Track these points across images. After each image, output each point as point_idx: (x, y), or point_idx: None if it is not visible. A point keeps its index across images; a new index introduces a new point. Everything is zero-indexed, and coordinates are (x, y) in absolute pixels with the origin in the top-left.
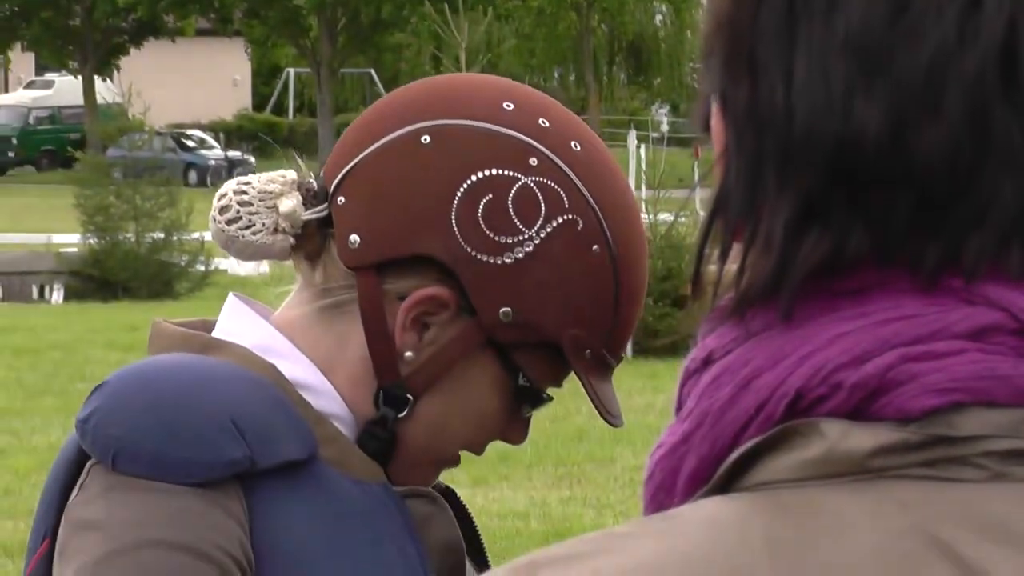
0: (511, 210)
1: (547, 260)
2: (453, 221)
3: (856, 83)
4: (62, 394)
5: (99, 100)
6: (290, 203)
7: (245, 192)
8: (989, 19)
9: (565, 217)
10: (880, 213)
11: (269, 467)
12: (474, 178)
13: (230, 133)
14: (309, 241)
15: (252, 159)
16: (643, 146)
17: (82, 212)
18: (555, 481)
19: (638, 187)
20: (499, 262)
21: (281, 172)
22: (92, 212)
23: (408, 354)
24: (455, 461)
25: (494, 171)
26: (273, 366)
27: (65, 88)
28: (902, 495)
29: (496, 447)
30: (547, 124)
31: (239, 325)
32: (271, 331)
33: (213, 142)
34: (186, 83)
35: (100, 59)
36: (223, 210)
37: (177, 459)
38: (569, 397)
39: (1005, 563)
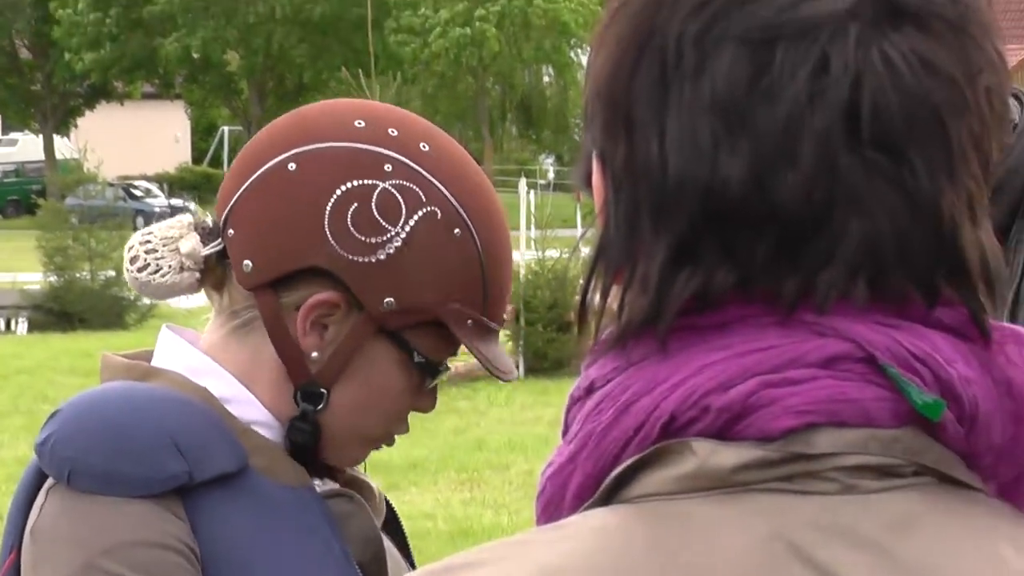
0: (376, 213)
1: (416, 250)
2: (328, 233)
3: (721, 138)
4: (28, 413)
5: (58, 155)
6: (189, 243)
7: (149, 241)
8: (835, 82)
9: (424, 210)
10: (743, 253)
11: (206, 479)
12: (339, 191)
13: (172, 183)
14: (212, 273)
15: (193, 206)
16: (532, 192)
17: (43, 253)
18: (457, 485)
19: (528, 228)
20: (374, 260)
21: (179, 217)
22: (52, 253)
23: (314, 354)
24: (385, 438)
25: (355, 183)
26: (204, 388)
27: (28, 145)
28: (763, 506)
29: (405, 456)
30: (396, 132)
31: (172, 353)
32: (198, 355)
33: (158, 191)
34: (134, 140)
35: (58, 119)
36: (133, 260)
37: (125, 474)
38: (470, 412)
39: (853, 565)
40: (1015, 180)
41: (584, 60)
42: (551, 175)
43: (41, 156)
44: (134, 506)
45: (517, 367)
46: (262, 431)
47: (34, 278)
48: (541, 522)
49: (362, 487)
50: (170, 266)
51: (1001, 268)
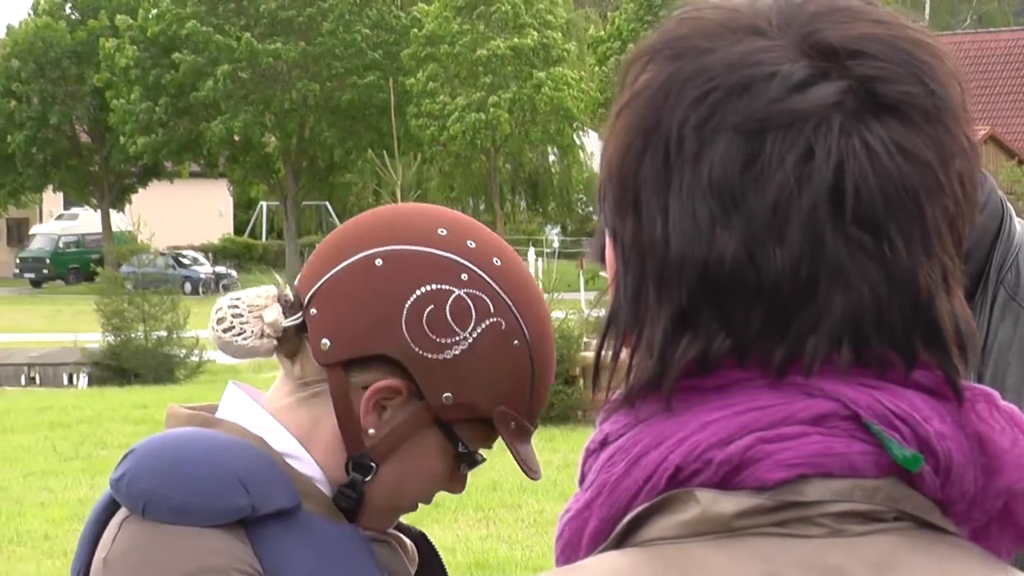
0: (448, 317)
1: (478, 354)
2: (403, 327)
3: (717, 218)
4: (87, 459)
5: (114, 228)
6: (273, 314)
7: (236, 306)
8: (819, 166)
9: (491, 320)
10: (737, 322)
11: (266, 513)
12: (419, 292)
13: (216, 253)
14: (288, 343)
15: (234, 273)
16: (539, 259)
17: (102, 315)
18: (475, 522)
19: None
20: (441, 358)
21: (264, 288)
22: (110, 315)
23: (371, 431)
24: (412, 508)
25: (434, 286)
26: (261, 438)
27: (87, 219)
28: (759, 548)
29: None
30: (473, 245)
31: (236, 407)
32: (261, 412)
33: (204, 260)
34: (182, 214)
35: (114, 196)
36: (220, 321)
37: (196, 506)
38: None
39: None
40: (980, 251)
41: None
42: (556, 244)
43: (99, 229)
44: (206, 535)
45: None
46: (300, 465)
47: (93, 338)
48: (560, 563)
49: (394, 536)
50: (252, 331)
51: (973, 334)
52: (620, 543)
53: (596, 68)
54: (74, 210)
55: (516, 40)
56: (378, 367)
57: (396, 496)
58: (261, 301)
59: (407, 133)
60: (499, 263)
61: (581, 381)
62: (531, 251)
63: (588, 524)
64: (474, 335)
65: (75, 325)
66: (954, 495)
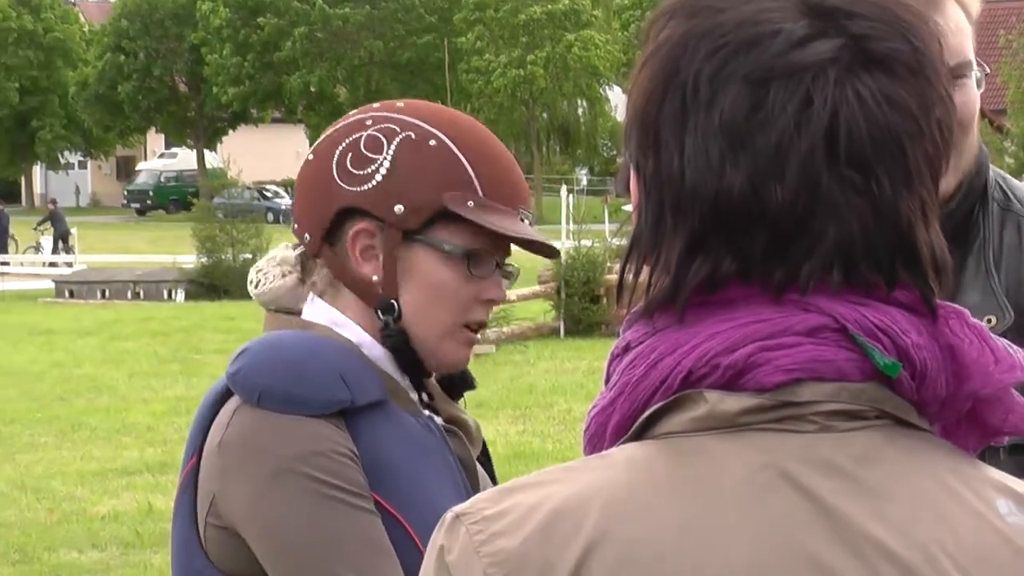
0: (363, 151)
1: (401, 164)
2: (337, 180)
3: (727, 156)
4: (184, 362)
5: (208, 165)
6: (282, 253)
7: (260, 267)
8: (816, 113)
9: (400, 136)
10: (743, 247)
11: (363, 404)
12: (337, 151)
13: (294, 187)
14: (306, 271)
15: None
16: (570, 195)
17: (196, 240)
18: (513, 419)
19: (567, 223)
20: (374, 184)
21: (284, 243)
22: (203, 240)
23: (375, 277)
24: (473, 328)
25: (346, 140)
26: (347, 338)
27: (185, 158)
28: (759, 441)
29: (473, 398)
30: (377, 105)
31: (317, 311)
32: (331, 312)
33: (284, 193)
34: (266, 154)
35: (208, 138)
36: (250, 283)
37: (304, 398)
38: (522, 364)
39: (829, 487)
40: (979, 180)
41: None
42: (584, 183)
43: (195, 166)
44: (311, 423)
45: (559, 331)
46: (371, 350)
47: (189, 259)
48: (587, 452)
49: (462, 424)
50: (273, 275)
51: (947, 260)
52: (639, 436)
53: (620, 32)
54: (173, 149)
55: (550, 6)
56: (345, 225)
57: (432, 319)
58: (278, 252)
59: (458, 86)
60: (401, 104)
61: (604, 300)
62: (563, 189)
63: (611, 419)
64: (390, 152)
65: (174, 248)
66: (928, 398)
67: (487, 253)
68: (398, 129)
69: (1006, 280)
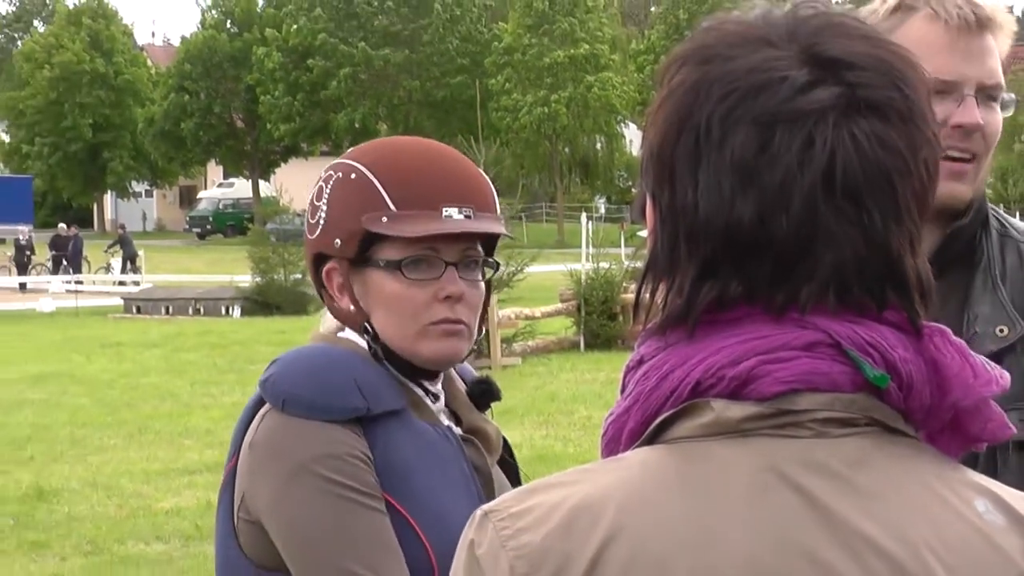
0: (313, 202)
1: (332, 203)
2: (307, 233)
3: (737, 190)
4: (239, 372)
5: (262, 194)
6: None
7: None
8: (817, 153)
9: (333, 178)
10: (750, 272)
11: (378, 412)
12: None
13: None
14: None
15: None
16: (589, 222)
17: (251, 261)
18: (537, 425)
19: (587, 247)
20: (320, 227)
21: None
22: (258, 262)
23: (352, 308)
24: (445, 324)
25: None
26: (373, 351)
27: (241, 187)
28: (760, 446)
29: (500, 406)
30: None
31: (347, 330)
32: (354, 335)
33: None
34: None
35: (262, 169)
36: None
37: (323, 404)
38: (545, 375)
39: (823, 488)
40: (980, 213)
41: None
42: (602, 211)
43: (250, 195)
44: (328, 428)
45: (579, 345)
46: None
47: (245, 279)
48: (604, 455)
49: (482, 433)
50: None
51: (932, 284)
52: (651, 441)
53: (636, 75)
54: (231, 180)
55: (572, 51)
56: (322, 270)
57: (397, 329)
58: None
59: (488, 123)
60: (353, 148)
61: (621, 316)
62: (583, 216)
63: (626, 425)
64: (326, 195)
65: (231, 269)
66: (914, 407)
67: (428, 257)
68: (332, 172)
69: (1011, 297)
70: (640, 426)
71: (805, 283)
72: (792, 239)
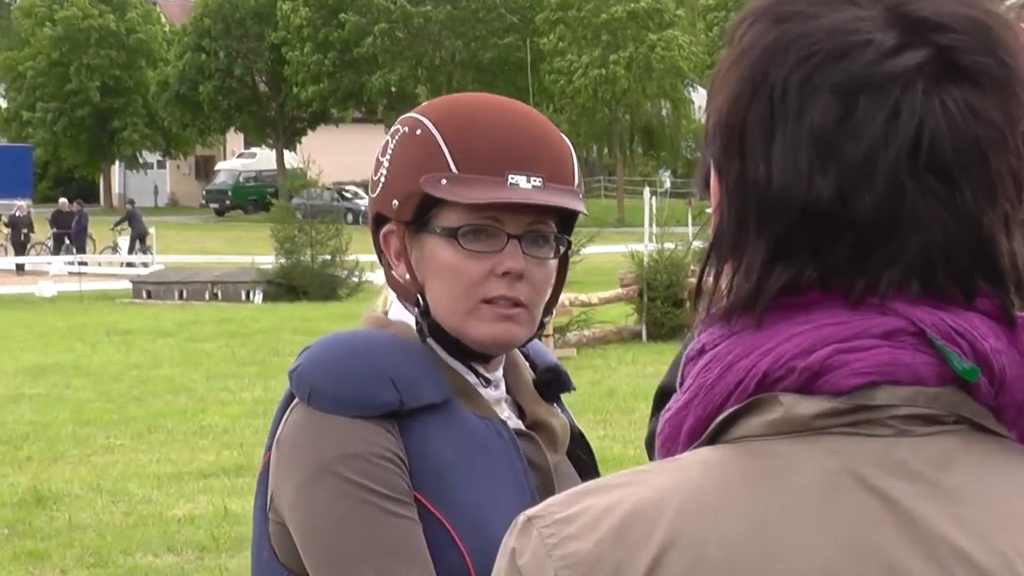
0: (378, 158)
1: (394, 159)
2: (369, 192)
3: (815, 164)
4: (262, 364)
5: (287, 165)
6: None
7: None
8: (904, 124)
9: (398, 133)
10: (826, 253)
11: (415, 407)
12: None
13: None
14: None
15: None
16: (653, 198)
17: (275, 241)
18: (595, 424)
19: (650, 225)
20: (379, 187)
21: None
22: (282, 241)
23: (407, 276)
24: (501, 303)
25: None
26: (419, 327)
27: (264, 157)
28: (834, 446)
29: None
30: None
31: (397, 311)
32: (405, 313)
33: (363, 194)
34: (345, 154)
35: (287, 138)
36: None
37: (349, 399)
38: (603, 369)
39: (904, 491)
40: None
41: (694, 97)
42: (667, 185)
43: (274, 166)
44: (355, 425)
45: (641, 335)
46: (437, 349)
47: (268, 260)
48: (660, 456)
49: (543, 427)
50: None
51: None
52: (713, 440)
53: (705, 34)
54: (253, 149)
55: (633, 5)
56: (380, 232)
57: (448, 303)
58: None
59: (540, 87)
60: (425, 104)
61: (688, 303)
62: (647, 191)
63: (685, 422)
64: (390, 151)
65: (252, 249)
66: (1006, 403)
67: (489, 227)
68: (399, 127)
69: None
70: (701, 423)
71: (887, 268)
72: (875, 219)
